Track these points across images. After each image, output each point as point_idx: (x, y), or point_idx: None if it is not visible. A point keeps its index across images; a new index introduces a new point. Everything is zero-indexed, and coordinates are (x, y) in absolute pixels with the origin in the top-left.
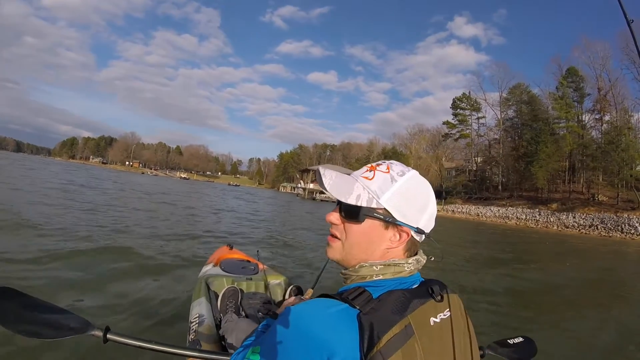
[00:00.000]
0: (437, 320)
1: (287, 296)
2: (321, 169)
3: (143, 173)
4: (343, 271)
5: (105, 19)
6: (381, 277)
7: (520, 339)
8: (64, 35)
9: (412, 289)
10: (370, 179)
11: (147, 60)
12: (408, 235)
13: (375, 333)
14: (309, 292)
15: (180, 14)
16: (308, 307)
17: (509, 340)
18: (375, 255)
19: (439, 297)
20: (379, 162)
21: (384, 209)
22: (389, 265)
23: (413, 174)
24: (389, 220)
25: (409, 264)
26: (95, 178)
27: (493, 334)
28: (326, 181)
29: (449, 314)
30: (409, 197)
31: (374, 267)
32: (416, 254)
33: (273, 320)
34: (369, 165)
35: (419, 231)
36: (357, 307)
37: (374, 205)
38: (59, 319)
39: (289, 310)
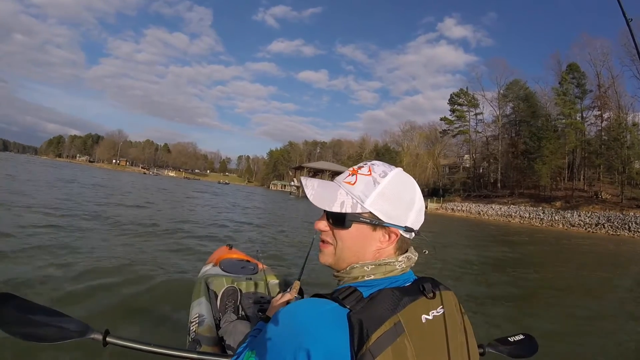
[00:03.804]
0: (430, 317)
1: None
2: (303, 180)
3: (145, 173)
4: (335, 273)
5: (97, 17)
6: (372, 277)
7: (521, 337)
8: (54, 33)
9: (404, 287)
10: (353, 184)
11: (138, 58)
12: (397, 235)
13: (365, 331)
14: (296, 284)
15: (172, 12)
16: (298, 306)
17: (509, 338)
18: (367, 257)
19: (431, 294)
20: (361, 164)
21: (370, 212)
22: (379, 265)
23: (395, 172)
24: (375, 223)
25: (400, 262)
26: (94, 176)
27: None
28: (309, 192)
29: (442, 311)
30: (393, 197)
31: (365, 268)
32: (407, 251)
33: (264, 324)
34: (351, 168)
35: (408, 229)
36: (347, 306)
37: (358, 210)
38: (59, 323)
39: (280, 311)
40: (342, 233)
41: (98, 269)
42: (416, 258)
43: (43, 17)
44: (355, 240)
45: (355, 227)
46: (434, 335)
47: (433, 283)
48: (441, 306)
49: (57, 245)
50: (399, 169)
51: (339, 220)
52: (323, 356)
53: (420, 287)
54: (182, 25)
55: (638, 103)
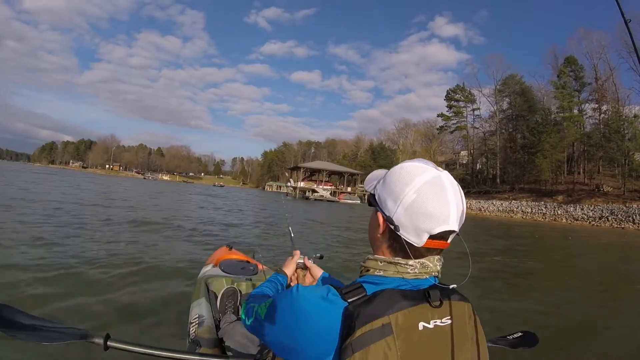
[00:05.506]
0: (429, 326)
1: None
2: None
3: (145, 178)
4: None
5: (89, 22)
6: (382, 273)
7: (520, 334)
8: (46, 39)
9: (409, 290)
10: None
11: (130, 62)
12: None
13: (352, 325)
14: (296, 252)
15: (164, 16)
16: (308, 290)
17: (509, 337)
18: (380, 250)
19: (437, 303)
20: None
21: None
22: (391, 263)
23: (420, 183)
24: (378, 209)
25: (411, 265)
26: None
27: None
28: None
29: (449, 322)
30: (415, 212)
31: (378, 262)
32: (423, 257)
33: (277, 275)
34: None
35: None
36: (347, 301)
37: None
38: (58, 332)
39: (296, 287)
40: (370, 213)
41: (98, 270)
42: (434, 267)
43: (35, 23)
44: (371, 224)
45: (372, 210)
46: (431, 345)
47: (444, 292)
48: (448, 317)
49: (57, 246)
50: (426, 179)
51: (370, 202)
52: (313, 339)
53: (426, 293)
54: (175, 28)
55: (635, 95)
